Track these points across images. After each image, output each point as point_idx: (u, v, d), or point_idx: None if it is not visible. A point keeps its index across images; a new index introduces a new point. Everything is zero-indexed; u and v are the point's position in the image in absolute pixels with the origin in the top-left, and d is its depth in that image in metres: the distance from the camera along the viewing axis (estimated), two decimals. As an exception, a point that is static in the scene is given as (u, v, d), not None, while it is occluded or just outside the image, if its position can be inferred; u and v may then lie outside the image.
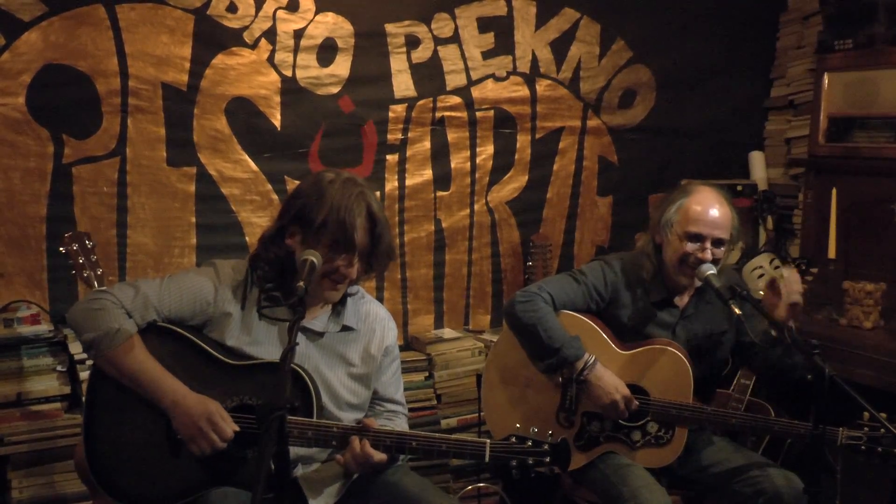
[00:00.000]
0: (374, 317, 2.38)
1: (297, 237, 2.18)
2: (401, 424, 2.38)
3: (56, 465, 2.83)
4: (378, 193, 3.51)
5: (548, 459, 2.12)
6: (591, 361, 2.57)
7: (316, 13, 3.36)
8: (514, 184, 3.85)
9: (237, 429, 2.09)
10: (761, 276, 3.71)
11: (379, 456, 2.13)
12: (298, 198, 2.19)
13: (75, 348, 2.90)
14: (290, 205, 2.22)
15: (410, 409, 2.68)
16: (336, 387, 2.28)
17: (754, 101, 4.25)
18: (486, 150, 3.77)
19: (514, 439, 2.14)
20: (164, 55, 3.16)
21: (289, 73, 3.36)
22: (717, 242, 2.60)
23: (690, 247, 2.59)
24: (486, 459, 2.13)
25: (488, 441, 2.14)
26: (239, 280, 2.24)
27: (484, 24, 3.65)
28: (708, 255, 2.58)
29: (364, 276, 2.31)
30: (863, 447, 2.42)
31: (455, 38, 3.61)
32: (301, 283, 1.91)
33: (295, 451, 2.17)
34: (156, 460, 2.13)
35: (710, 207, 2.61)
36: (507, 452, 2.13)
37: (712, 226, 2.59)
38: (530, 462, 2.12)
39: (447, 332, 3.71)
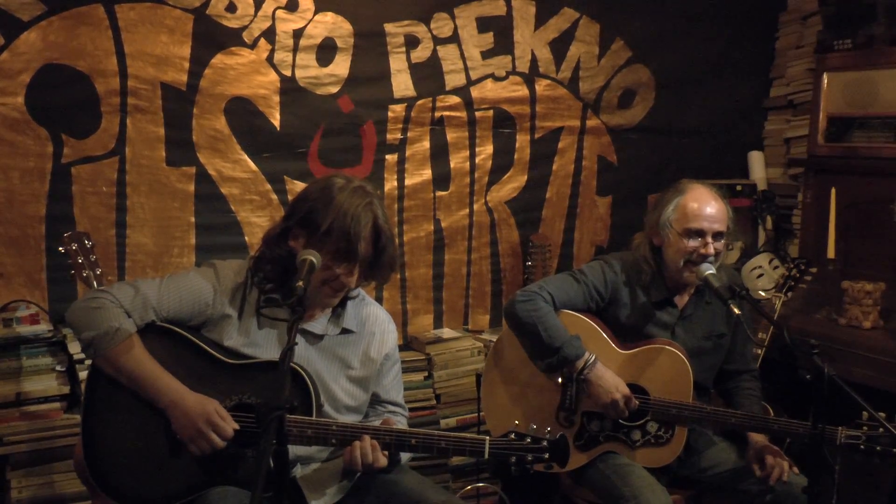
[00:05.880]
0: (373, 319, 2.38)
1: (301, 240, 2.17)
2: (401, 426, 2.38)
3: (55, 465, 2.83)
4: (378, 193, 3.51)
5: (546, 456, 2.12)
6: (592, 360, 2.57)
7: (315, 13, 3.36)
8: (513, 183, 3.85)
9: (237, 427, 2.09)
10: (760, 275, 3.71)
11: (383, 461, 2.13)
12: (306, 201, 2.19)
13: (74, 348, 2.90)
14: (296, 207, 2.21)
15: (410, 409, 2.68)
16: (335, 390, 2.28)
17: (754, 101, 4.26)
18: (486, 150, 3.77)
19: (512, 436, 2.14)
20: (163, 55, 3.16)
21: (288, 73, 3.36)
22: (717, 236, 2.63)
23: (692, 244, 2.61)
24: (486, 456, 2.14)
25: (487, 438, 2.14)
26: (239, 282, 2.24)
27: (483, 24, 3.65)
28: (710, 249, 2.60)
29: (363, 284, 2.32)
30: (861, 446, 2.43)
31: (454, 38, 3.61)
32: (300, 283, 1.91)
33: (294, 450, 2.17)
34: (155, 460, 2.13)
35: (706, 203, 2.63)
36: (506, 449, 2.13)
37: (711, 220, 2.61)
38: (529, 459, 2.12)
39: (446, 332, 3.71)
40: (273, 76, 3.34)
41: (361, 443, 2.12)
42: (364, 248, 2.15)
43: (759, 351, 3.12)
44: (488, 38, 3.67)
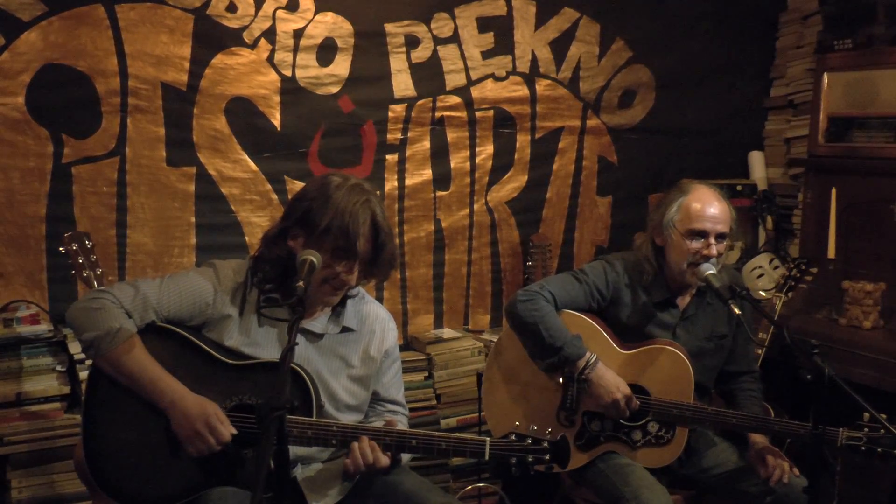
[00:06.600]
0: (373, 318, 2.38)
1: (300, 240, 2.17)
2: (401, 425, 2.38)
3: (55, 465, 2.83)
4: (378, 193, 3.51)
5: (547, 457, 2.12)
6: (593, 360, 2.57)
7: (315, 13, 3.36)
8: (513, 183, 3.85)
9: (235, 432, 2.09)
10: (761, 275, 3.71)
11: (384, 460, 2.13)
12: (304, 200, 2.19)
13: (75, 348, 2.89)
14: (294, 207, 2.21)
15: (410, 409, 2.68)
16: (335, 389, 2.28)
17: (754, 101, 4.25)
18: (486, 150, 3.77)
19: (513, 437, 2.14)
20: (163, 55, 3.16)
21: (288, 73, 3.36)
22: (720, 237, 2.62)
23: (695, 245, 2.60)
24: (486, 457, 2.14)
25: (488, 439, 2.14)
26: (239, 282, 2.24)
27: (483, 24, 3.65)
28: (713, 250, 2.59)
29: (364, 282, 2.31)
30: (862, 448, 2.43)
31: (455, 38, 3.61)
32: (300, 283, 1.91)
33: (295, 451, 2.17)
34: (155, 460, 2.13)
35: (709, 203, 2.62)
36: (506, 450, 2.13)
37: (714, 221, 2.61)
38: (530, 460, 2.12)
39: (447, 332, 3.70)
40: (273, 76, 3.33)
41: (360, 444, 2.12)
42: (363, 246, 2.15)
43: (760, 351, 3.12)
44: (488, 38, 3.67)
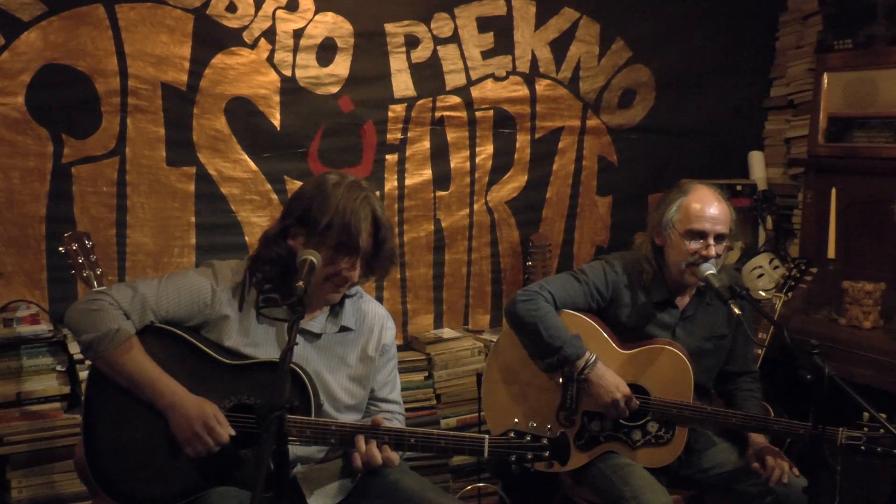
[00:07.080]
0: (372, 316, 2.38)
1: (301, 238, 2.18)
2: (396, 424, 2.38)
3: (55, 464, 2.83)
4: (377, 193, 3.51)
5: (547, 454, 2.12)
6: (592, 360, 2.57)
7: (315, 13, 3.36)
8: (513, 183, 3.85)
9: (233, 433, 2.09)
10: (761, 275, 3.71)
11: (385, 455, 2.12)
12: (302, 199, 2.19)
13: (75, 348, 2.89)
14: (293, 206, 2.21)
15: (410, 409, 2.68)
16: (335, 389, 2.28)
17: (754, 101, 4.25)
18: (486, 150, 3.77)
19: (512, 434, 2.13)
20: (163, 55, 3.16)
21: (288, 73, 3.36)
22: (719, 238, 2.62)
23: (694, 245, 2.60)
24: (485, 455, 2.13)
25: (487, 437, 2.14)
26: (237, 282, 2.23)
27: (483, 24, 3.65)
28: (712, 251, 2.59)
29: (363, 280, 2.32)
30: (862, 447, 2.42)
31: (454, 38, 3.61)
32: (300, 283, 1.91)
33: (294, 450, 2.17)
34: (155, 460, 2.13)
35: (709, 204, 2.62)
36: (505, 447, 2.13)
37: (714, 221, 2.60)
38: (529, 457, 2.12)
39: (447, 332, 3.70)
40: (273, 76, 3.34)
41: (368, 450, 2.11)
42: (365, 240, 2.15)
43: (760, 351, 3.12)
44: (488, 38, 3.67)
